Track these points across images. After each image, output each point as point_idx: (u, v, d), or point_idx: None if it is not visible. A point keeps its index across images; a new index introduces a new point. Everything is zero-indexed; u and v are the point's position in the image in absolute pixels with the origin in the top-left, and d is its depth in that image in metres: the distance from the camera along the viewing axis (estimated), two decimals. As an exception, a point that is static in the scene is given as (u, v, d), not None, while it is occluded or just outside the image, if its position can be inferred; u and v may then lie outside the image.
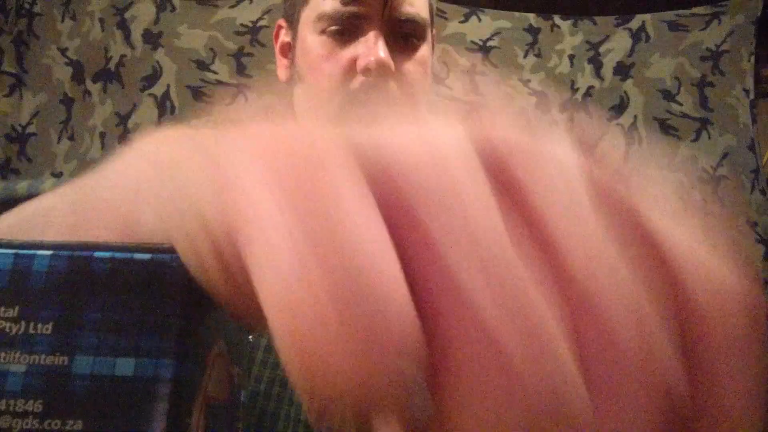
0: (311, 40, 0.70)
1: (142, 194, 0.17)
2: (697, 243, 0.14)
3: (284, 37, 0.77)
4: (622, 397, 0.12)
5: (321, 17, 0.68)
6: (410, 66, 0.69)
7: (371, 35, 0.67)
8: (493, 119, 0.15)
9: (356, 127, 0.14)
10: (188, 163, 0.16)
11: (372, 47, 0.66)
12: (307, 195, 0.12)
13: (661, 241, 0.14)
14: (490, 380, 0.12)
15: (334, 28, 0.68)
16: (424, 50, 0.72)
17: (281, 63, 0.77)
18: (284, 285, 0.11)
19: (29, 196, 0.31)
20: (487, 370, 0.12)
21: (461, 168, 0.13)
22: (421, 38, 0.71)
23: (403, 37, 0.69)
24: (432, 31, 0.74)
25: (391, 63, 0.66)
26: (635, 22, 1.59)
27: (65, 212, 0.20)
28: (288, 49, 0.76)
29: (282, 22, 0.78)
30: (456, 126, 0.14)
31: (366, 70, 0.66)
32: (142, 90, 1.49)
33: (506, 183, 0.14)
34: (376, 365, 0.11)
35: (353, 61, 0.67)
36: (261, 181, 0.12)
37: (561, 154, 0.15)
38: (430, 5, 0.73)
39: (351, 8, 0.67)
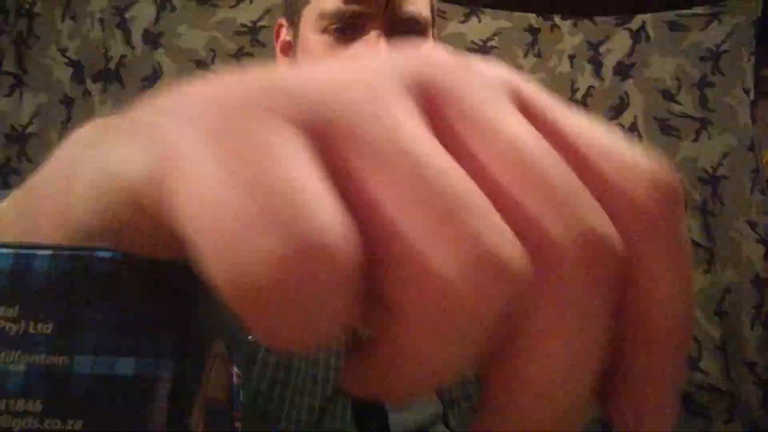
0: (312, 38, 0.70)
1: (72, 180, 0.17)
2: (613, 138, 0.15)
3: (285, 35, 0.77)
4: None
5: (323, 16, 0.68)
6: None
7: (373, 34, 0.67)
8: (419, 51, 0.15)
9: (288, 73, 0.14)
10: (113, 135, 0.16)
11: (373, 46, 0.66)
12: (234, 138, 0.12)
13: (580, 139, 0.15)
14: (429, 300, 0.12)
15: (335, 26, 0.68)
16: None
17: (282, 62, 0.77)
18: (207, 202, 0.12)
19: None
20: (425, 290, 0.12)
21: (388, 93, 0.14)
22: (423, 37, 0.71)
23: (405, 35, 0.69)
24: (433, 30, 0.74)
25: None
26: (635, 22, 1.60)
27: (15, 216, 0.20)
28: (289, 48, 0.76)
29: (283, 20, 0.78)
30: (386, 58, 0.15)
31: None
32: (142, 90, 1.49)
33: (434, 104, 0.14)
34: (298, 259, 0.11)
35: None
36: (188, 132, 0.13)
37: (485, 69, 0.15)
38: (432, 4, 0.73)
39: (353, 7, 0.67)
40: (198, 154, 0.12)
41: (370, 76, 0.14)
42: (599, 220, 0.13)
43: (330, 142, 0.13)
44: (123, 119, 0.16)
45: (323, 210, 0.12)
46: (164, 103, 0.15)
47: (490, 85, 0.15)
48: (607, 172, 0.14)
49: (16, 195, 0.21)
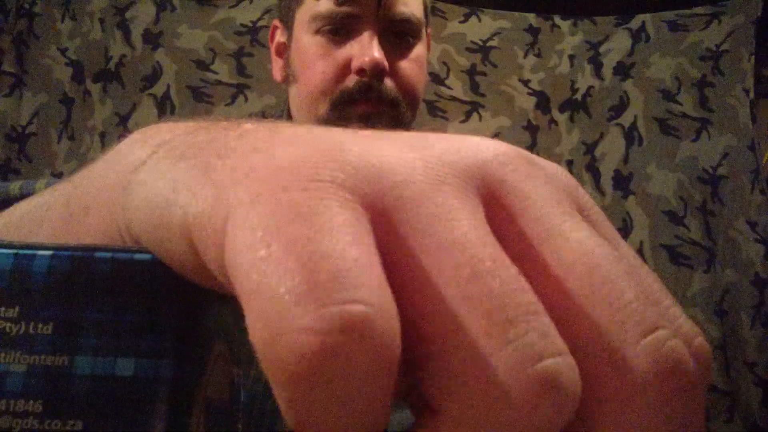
0: (306, 40, 0.70)
1: (129, 181, 0.17)
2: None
3: (279, 37, 0.77)
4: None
5: (315, 17, 0.68)
6: (405, 65, 0.70)
7: (365, 35, 0.67)
8: (484, 139, 0.15)
9: (352, 141, 0.14)
10: (177, 159, 0.16)
11: (366, 47, 0.66)
12: (294, 208, 0.12)
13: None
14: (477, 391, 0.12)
15: (328, 28, 0.68)
16: (419, 49, 0.72)
17: (277, 63, 0.77)
18: (259, 269, 0.12)
19: (22, 196, 0.31)
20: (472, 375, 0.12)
21: (452, 183, 0.13)
22: (416, 37, 0.71)
23: (398, 36, 0.69)
24: (427, 29, 0.74)
25: (386, 63, 0.66)
26: (635, 22, 1.59)
27: (59, 207, 0.20)
28: (283, 50, 0.76)
29: (277, 22, 0.78)
30: (450, 142, 0.14)
31: (360, 70, 0.66)
32: (142, 90, 1.49)
33: (495, 199, 0.14)
34: (340, 338, 0.11)
35: (348, 61, 0.67)
36: (252, 194, 0.13)
37: (548, 168, 0.15)
38: (425, 4, 0.74)
39: (345, 8, 0.67)
40: (257, 218, 0.12)
41: (436, 161, 0.14)
42: (675, 340, 0.13)
43: (387, 220, 0.13)
44: (190, 142, 0.16)
45: (370, 285, 0.11)
46: (231, 149, 0.15)
47: (555, 187, 0.14)
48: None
49: (60, 186, 0.21)
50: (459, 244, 0.12)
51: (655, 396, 0.12)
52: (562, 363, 0.12)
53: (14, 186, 0.32)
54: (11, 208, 0.23)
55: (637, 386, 0.12)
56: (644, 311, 0.13)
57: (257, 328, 0.11)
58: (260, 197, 0.12)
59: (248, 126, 0.16)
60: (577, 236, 0.13)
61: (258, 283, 0.11)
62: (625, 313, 0.13)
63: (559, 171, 0.15)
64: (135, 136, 0.19)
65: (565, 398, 0.12)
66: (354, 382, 0.11)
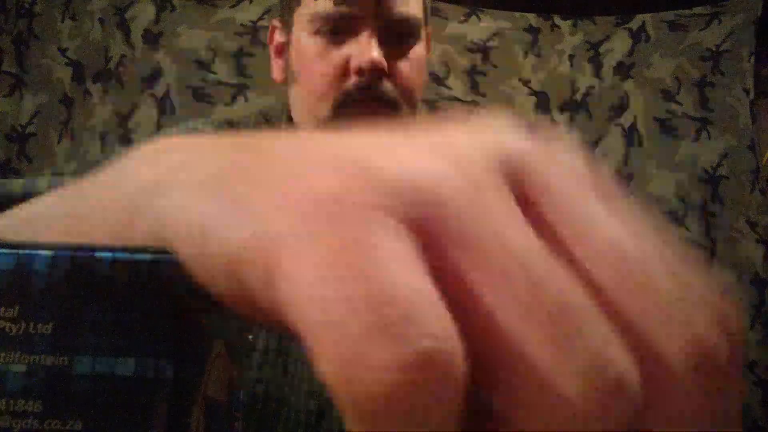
0: (305, 40, 0.70)
1: (142, 199, 0.17)
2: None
3: (279, 37, 0.77)
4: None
5: (314, 18, 0.68)
6: (404, 65, 0.69)
7: (364, 35, 0.67)
8: (502, 128, 0.15)
9: (380, 157, 0.14)
10: (211, 179, 0.16)
11: (365, 47, 0.66)
12: (343, 240, 0.12)
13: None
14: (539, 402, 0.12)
15: (327, 28, 0.68)
16: (419, 49, 0.71)
17: (276, 63, 0.77)
18: (319, 307, 0.12)
19: (25, 194, 0.31)
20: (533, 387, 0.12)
21: (489, 188, 0.13)
22: (415, 37, 0.71)
23: (397, 36, 0.69)
24: (426, 29, 0.74)
25: (385, 63, 0.66)
26: (635, 22, 1.60)
27: (63, 214, 0.20)
28: (282, 50, 0.76)
29: (276, 22, 0.78)
30: (474, 138, 0.14)
31: (359, 71, 0.66)
32: (142, 90, 1.49)
33: (523, 194, 0.14)
34: (413, 368, 0.11)
35: (347, 62, 0.67)
36: (296, 226, 0.13)
37: (569, 157, 0.15)
38: (424, 4, 0.73)
39: (344, 9, 0.67)
40: (311, 254, 0.12)
41: (466, 164, 0.13)
42: (709, 331, 0.13)
43: (435, 242, 0.13)
44: (214, 166, 0.16)
45: (436, 316, 0.11)
46: (262, 177, 0.14)
47: (578, 177, 0.14)
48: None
49: (65, 193, 0.21)
50: (509, 257, 0.12)
51: (692, 388, 0.12)
52: (627, 367, 0.12)
53: (16, 184, 0.32)
54: (16, 210, 0.23)
55: (675, 379, 0.12)
56: (680, 303, 0.13)
57: (329, 366, 0.11)
58: (309, 231, 0.12)
59: (270, 148, 0.16)
60: (607, 228, 0.13)
61: (324, 322, 0.12)
62: (662, 306, 0.13)
63: (579, 160, 0.15)
64: (144, 152, 0.19)
65: (631, 402, 0.12)
66: (430, 414, 0.11)
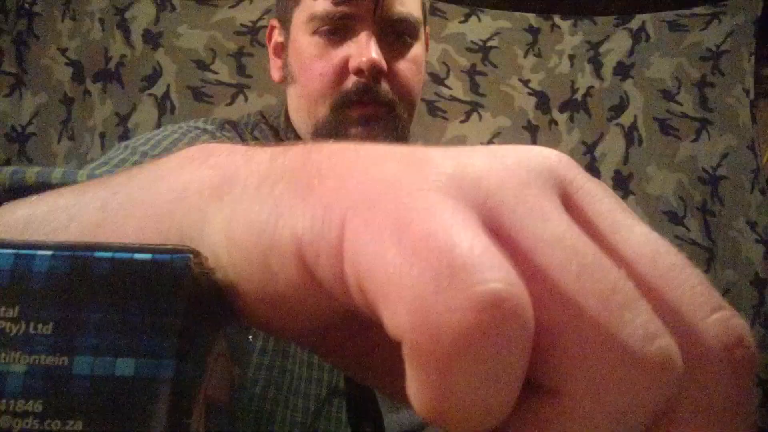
0: (303, 40, 0.70)
1: (191, 200, 0.18)
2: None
3: (277, 37, 0.77)
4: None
5: (312, 18, 0.68)
6: (403, 65, 0.69)
7: (363, 35, 0.66)
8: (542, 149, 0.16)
9: (440, 155, 0.15)
10: (262, 187, 0.17)
11: (364, 47, 0.66)
12: (397, 205, 0.13)
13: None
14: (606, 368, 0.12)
15: (325, 28, 0.68)
16: (417, 49, 0.71)
17: (275, 64, 0.77)
18: (394, 275, 0.12)
19: (38, 183, 0.31)
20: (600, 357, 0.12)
21: (534, 185, 0.14)
22: (414, 37, 0.71)
23: (396, 36, 0.69)
24: (425, 29, 0.74)
25: (384, 63, 0.66)
26: (635, 22, 1.59)
27: (92, 209, 0.20)
28: (281, 50, 0.76)
29: (275, 22, 0.78)
30: (519, 149, 0.16)
31: (358, 71, 0.66)
32: (142, 90, 1.49)
33: (566, 195, 0.15)
34: (484, 310, 0.12)
35: (345, 62, 0.67)
36: (355, 200, 0.14)
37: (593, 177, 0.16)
38: (423, 4, 0.73)
39: (342, 9, 0.66)
40: (378, 221, 0.13)
41: (517, 167, 0.15)
42: (736, 317, 0.14)
43: (491, 221, 0.14)
44: (277, 167, 0.17)
45: (499, 263, 0.12)
46: (326, 170, 0.16)
47: (606, 187, 0.16)
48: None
49: (91, 189, 0.22)
50: (560, 240, 0.13)
51: (725, 366, 0.13)
52: (672, 341, 0.13)
53: (30, 172, 0.31)
54: (35, 199, 0.23)
55: (710, 357, 0.13)
56: (708, 293, 0.14)
57: (403, 317, 0.12)
58: (375, 204, 0.14)
59: (332, 147, 0.17)
60: (640, 229, 0.15)
61: (397, 277, 0.12)
62: (694, 294, 0.14)
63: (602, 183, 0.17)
64: (186, 154, 0.20)
65: (678, 374, 0.13)
66: (502, 356, 0.12)
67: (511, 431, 0.13)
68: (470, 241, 0.12)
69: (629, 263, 0.14)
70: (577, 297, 0.13)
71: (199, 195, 0.18)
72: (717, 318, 0.13)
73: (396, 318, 0.12)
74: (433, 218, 0.13)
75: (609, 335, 0.12)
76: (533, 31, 1.60)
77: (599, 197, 0.15)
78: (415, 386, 0.12)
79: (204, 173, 0.18)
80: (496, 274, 0.12)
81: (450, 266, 0.12)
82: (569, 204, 0.15)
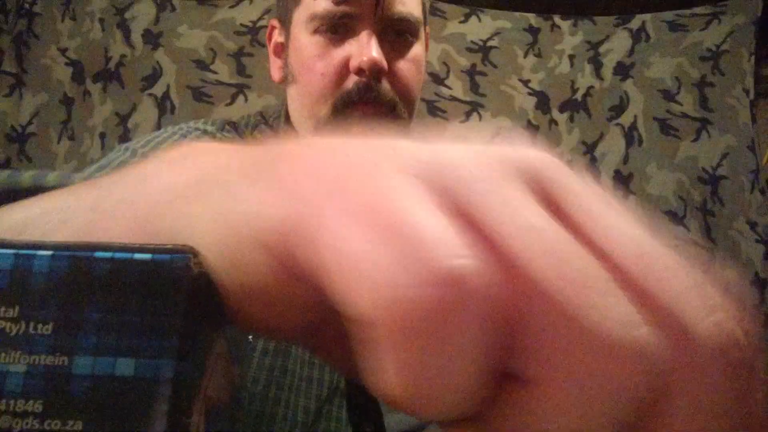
0: (304, 40, 0.70)
1: (176, 202, 0.18)
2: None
3: (277, 37, 0.77)
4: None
5: (313, 17, 0.68)
6: (403, 65, 0.69)
7: (364, 35, 0.66)
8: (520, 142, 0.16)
9: (416, 145, 0.15)
10: (236, 176, 0.17)
11: (365, 47, 0.66)
12: (364, 187, 0.14)
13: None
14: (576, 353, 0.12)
15: (326, 27, 0.68)
16: (417, 49, 0.71)
17: (275, 63, 0.77)
18: (351, 253, 0.13)
19: (33, 186, 0.31)
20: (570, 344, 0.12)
21: (506, 178, 0.14)
22: (414, 37, 0.71)
23: (396, 35, 0.69)
24: (425, 29, 0.74)
25: (384, 62, 0.66)
26: (635, 22, 1.60)
27: (83, 210, 0.20)
28: (281, 50, 0.76)
29: (275, 22, 0.78)
30: (495, 147, 0.16)
31: (359, 70, 0.66)
32: (142, 90, 1.49)
33: (541, 190, 0.15)
34: (436, 284, 0.12)
35: (346, 61, 0.67)
36: (323, 189, 0.14)
37: (575, 170, 0.16)
38: (423, 4, 0.73)
39: (343, 8, 0.66)
40: (346, 205, 0.13)
41: (493, 160, 0.15)
42: (732, 320, 0.13)
43: (462, 208, 0.14)
44: (250, 161, 0.17)
45: (461, 243, 0.12)
46: (290, 155, 0.16)
47: (589, 184, 0.15)
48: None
49: (82, 190, 0.22)
50: (532, 228, 0.13)
51: (719, 368, 0.13)
52: (653, 331, 0.13)
53: (26, 176, 0.31)
54: (22, 204, 0.23)
55: (705, 359, 0.13)
56: (704, 295, 0.14)
57: (366, 296, 0.12)
58: (345, 188, 0.14)
59: (307, 140, 0.17)
60: (631, 231, 0.14)
61: (361, 258, 0.12)
62: (689, 297, 0.13)
63: (585, 175, 0.16)
64: (167, 156, 0.20)
65: (660, 365, 0.12)
66: (469, 333, 0.12)
67: (490, 420, 0.13)
68: (437, 222, 0.13)
69: (616, 264, 0.14)
70: (550, 284, 0.13)
71: (170, 199, 0.18)
72: (712, 320, 0.13)
73: (360, 299, 0.12)
74: (400, 199, 0.13)
75: (584, 323, 0.12)
76: (533, 31, 1.60)
77: (579, 194, 0.15)
78: (380, 369, 0.12)
79: (182, 174, 0.18)
80: (460, 251, 0.12)
81: (415, 244, 0.12)
82: (551, 203, 0.15)
